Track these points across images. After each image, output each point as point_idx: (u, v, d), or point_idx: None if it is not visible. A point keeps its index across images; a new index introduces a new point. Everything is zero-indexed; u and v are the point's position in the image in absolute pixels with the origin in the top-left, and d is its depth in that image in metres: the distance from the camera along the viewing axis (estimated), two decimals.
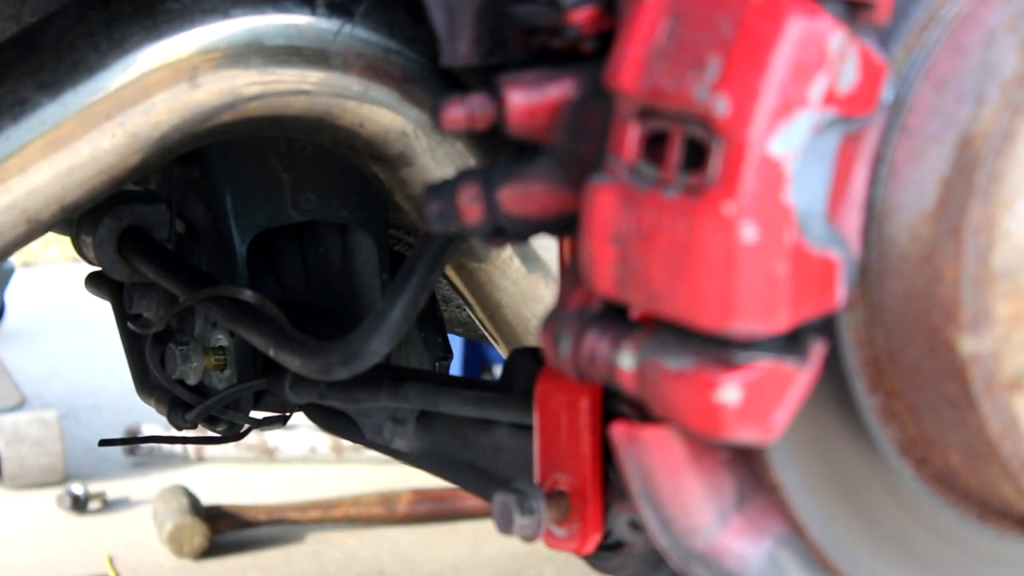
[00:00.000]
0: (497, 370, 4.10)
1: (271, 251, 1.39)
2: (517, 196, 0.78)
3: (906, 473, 0.77)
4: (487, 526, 2.97)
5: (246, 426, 1.44)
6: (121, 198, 1.32)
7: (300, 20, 1.01)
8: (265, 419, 1.45)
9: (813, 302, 0.69)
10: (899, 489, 0.78)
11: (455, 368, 1.50)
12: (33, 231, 0.99)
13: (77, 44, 0.98)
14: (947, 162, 0.70)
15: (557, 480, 0.90)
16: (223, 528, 3.24)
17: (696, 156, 0.68)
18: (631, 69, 0.70)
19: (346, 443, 3.68)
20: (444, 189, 0.80)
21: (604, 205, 0.70)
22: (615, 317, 0.74)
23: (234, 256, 1.30)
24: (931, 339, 0.71)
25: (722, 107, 0.66)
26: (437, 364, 1.38)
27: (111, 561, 3.18)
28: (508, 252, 1.21)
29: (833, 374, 0.74)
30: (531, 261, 1.23)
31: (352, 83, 1.03)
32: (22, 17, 1.22)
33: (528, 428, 0.98)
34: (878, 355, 0.74)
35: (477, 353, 4.28)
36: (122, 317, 1.42)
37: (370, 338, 1.05)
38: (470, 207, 0.79)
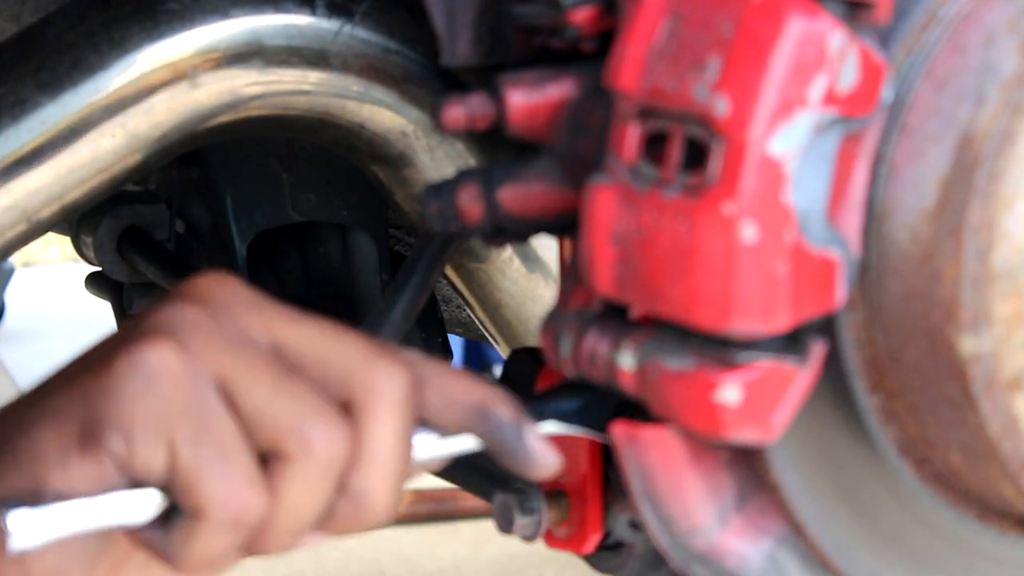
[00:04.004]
0: (497, 370, 4.10)
1: (271, 251, 1.39)
2: (517, 196, 0.78)
3: (906, 473, 0.77)
4: (487, 526, 2.96)
5: None
6: (121, 198, 1.33)
7: (300, 20, 1.01)
8: None
9: (813, 302, 0.69)
10: (899, 489, 0.78)
11: None
12: (33, 231, 0.99)
13: (77, 44, 0.98)
14: (947, 162, 0.70)
15: (557, 480, 0.90)
16: None
17: (696, 156, 0.68)
18: (631, 69, 0.70)
19: None
20: (444, 189, 0.80)
21: (604, 205, 0.71)
22: (615, 317, 0.75)
23: (234, 256, 1.30)
24: (931, 339, 0.71)
25: (722, 107, 0.66)
26: None
27: None
28: (508, 252, 1.21)
29: (833, 374, 0.74)
30: (531, 261, 1.23)
31: (352, 83, 1.03)
32: (22, 17, 1.22)
33: None
34: (878, 355, 0.74)
35: (477, 353, 4.28)
36: (122, 317, 1.43)
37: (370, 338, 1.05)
38: (470, 207, 0.79)
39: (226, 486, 0.65)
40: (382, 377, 0.68)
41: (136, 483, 0.66)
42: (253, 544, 0.67)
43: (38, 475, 0.65)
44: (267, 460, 0.67)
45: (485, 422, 0.71)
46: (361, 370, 0.68)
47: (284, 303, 0.71)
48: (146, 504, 0.66)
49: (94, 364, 0.67)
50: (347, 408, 0.68)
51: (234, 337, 0.67)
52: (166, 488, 0.66)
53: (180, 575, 0.69)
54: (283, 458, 0.66)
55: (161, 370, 0.65)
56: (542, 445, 0.72)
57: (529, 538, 0.90)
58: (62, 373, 0.70)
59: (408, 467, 0.70)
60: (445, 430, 0.72)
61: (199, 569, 0.67)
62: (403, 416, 0.69)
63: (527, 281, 1.23)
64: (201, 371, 0.66)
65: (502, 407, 0.72)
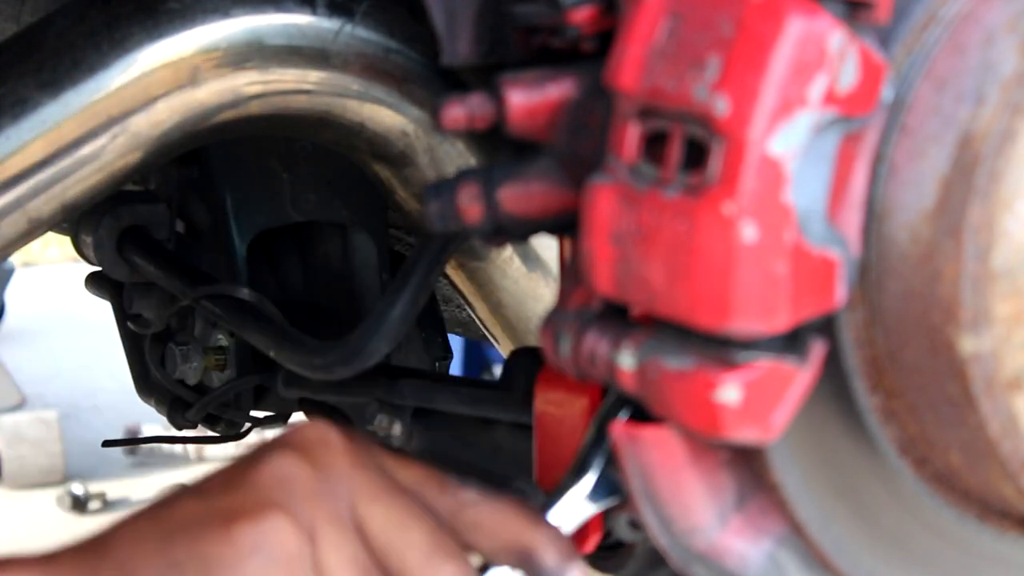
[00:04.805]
0: (497, 370, 4.10)
1: (271, 251, 1.39)
2: (517, 196, 0.78)
3: (906, 473, 0.77)
4: None
5: (247, 425, 1.44)
6: (121, 198, 1.33)
7: (300, 20, 1.01)
8: (266, 418, 1.45)
9: (813, 302, 0.69)
10: (899, 489, 0.78)
11: (455, 368, 1.50)
12: (33, 230, 1.00)
13: (77, 44, 0.98)
14: (947, 162, 0.70)
15: (557, 479, 0.90)
16: None
17: (696, 156, 0.68)
18: (631, 69, 0.70)
19: None
20: (444, 189, 0.80)
21: (604, 205, 0.71)
22: (615, 317, 0.75)
23: (234, 256, 1.31)
24: (931, 339, 0.71)
25: (722, 107, 0.66)
26: (437, 364, 1.39)
27: None
28: (508, 252, 1.22)
29: (833, 374, 0.74)
30: (531, 261, 1.23)
31: (352, 82, 1.03)
32: (22, 17, 1.22)
33: (528, 428, 0.98)
34: (878, 355, 0.74)
35: (477, 353, 4.28)
36: (122, 317, 1.43)
37: (370, 338, 1.06)
38: (470, 207, 0.79)
39: None
40: None
41: None
42: None
43: None
44: None
45: (531, 567, 0.75)
46: (418, 569, 0.73)
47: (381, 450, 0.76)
48: None
49: (215, 526, 0.71)
50: None
51: (333, 516, 0.72)
52: None
53: None
54: None
55: (279, 553, 0.70)
56: None
57: None
58: (181, 514, 0.73)
59: None
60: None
61: None
62: None
63: (527, 280, 1.24)
64: (307, 553, 0.71)
65: (549, 552, 0.75)
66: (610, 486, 0.81)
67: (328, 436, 0.75)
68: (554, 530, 0.77)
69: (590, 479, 0.81)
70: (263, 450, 0.75)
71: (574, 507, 0.81)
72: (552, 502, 0.80)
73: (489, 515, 0.76)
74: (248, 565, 0.70)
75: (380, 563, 0.73)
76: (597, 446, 0.81)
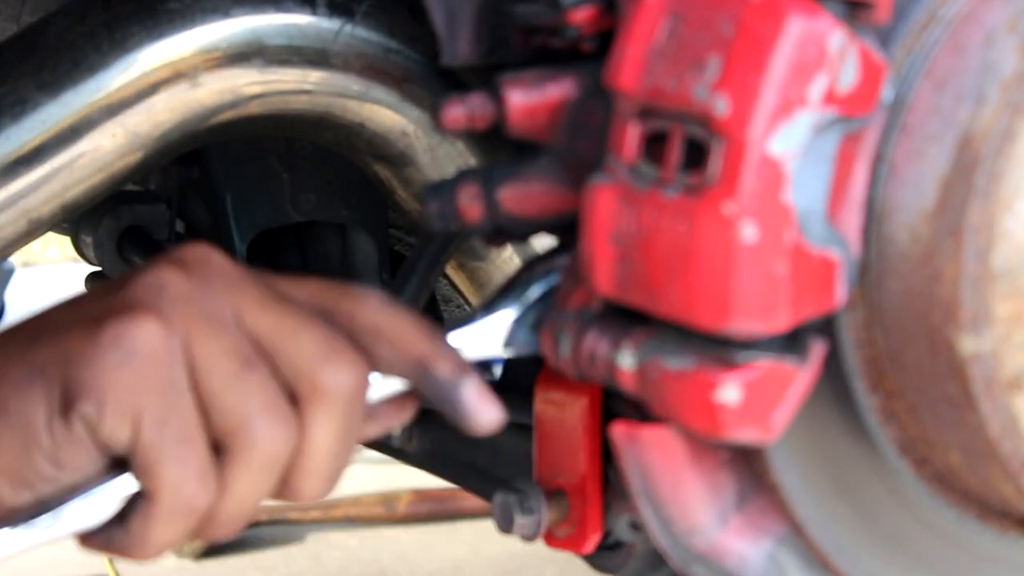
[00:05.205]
0: (497, 370, 4.10)
1: (271, 251, 1.39)
2: (517, 196, 0.78)
3: (906, 473, 0.77)
4: (487, 526, 2.95)
5: None
6: (121, 198, 1.33)
7: (301, 20, 1.01)
8: None
9: (813, 302, 0.69)
10: (899, 489, 0.78)
11: None
12: (33, 230, 1.00)
13: (77, 44, 0.98)
14: (947, 162, 0.70)
15: (557, 480, 0.90)
16: None
17: (696, 156, 0.68)
18: (631, 69, 0.70)
19: None
20: (444, 189, 0.80)
21: (604, 205, 0.71)
22: (615, 317, 0.75)
23: (234, 256, 1.30)
24: (931, 339, 0.71)
25: (722, 107, 0.66)
26: None
27: (111, 561, 3.18)
28: (508, 251, 1.21)
29: (833, 374, 0.74)
30: None
31: (353, 83, 1.03)
32: (22, 17, 1.22)
33: (528, 428, 0.98)
34: (878, 355, 0.74)
35: None
36: None
37: None
38: (470, 207, 0.79)
39: (181, 474, 0.68)
40: (330, 378, 0.70)
41: (104, 451, 0.68)
42: (200, 529, 0.70)
43: (31, 435, 0.68)
44: (219, 449, 0.69)
45: (425, 378, 0.73)
46: (310, 369, 0.70)
47: (274, 274, 0.74)
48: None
49: (80, 326, 0.69)
50: (296, 402, 0.70)
51: (210, 316, 0.70)
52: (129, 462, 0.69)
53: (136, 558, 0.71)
54: (232, 451, 0.69)
55: (141, 348, 0.68)
56: (479, 402, 0.73)
57: (529, 538, 0.90)
58: (49, 320, 0.72)
59: (346, 461, 0.72)
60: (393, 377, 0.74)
61: (155, 554, 0.70)
62: (345, 416, 0.71)
63: None
64: (176, 351, 0.68)
65: (442, 363, 0.73)
66: (532, 345, 0.79)
67: (209, 254, 0.72)
68: (450, 346, 0.75)
69: (501, 316, 0.78)
70: (140, 267, 0.72)
71: (479, 336, 0.78)
72: (457, 326, 0.78)
73: (388, 323, 0.73)
74: (108, 359, 0.67)
75: (268, 359, 0.70)
76: (522, 288, 0.79)
